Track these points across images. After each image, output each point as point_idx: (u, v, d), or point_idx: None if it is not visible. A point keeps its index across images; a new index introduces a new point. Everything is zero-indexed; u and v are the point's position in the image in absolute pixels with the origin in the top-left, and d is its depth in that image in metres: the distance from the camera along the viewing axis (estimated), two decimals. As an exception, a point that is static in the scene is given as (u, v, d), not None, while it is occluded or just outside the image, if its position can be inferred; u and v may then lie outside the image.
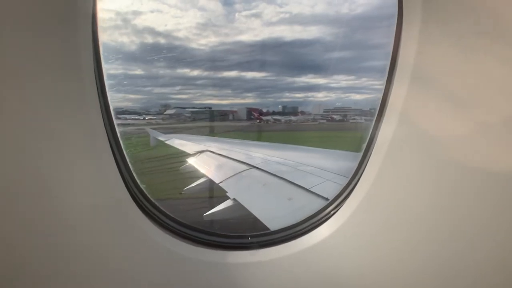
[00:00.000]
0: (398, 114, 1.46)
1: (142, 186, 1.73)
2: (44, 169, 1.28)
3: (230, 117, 9.31)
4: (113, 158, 1.53)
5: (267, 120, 9.33)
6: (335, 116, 9.71)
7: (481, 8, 1.16)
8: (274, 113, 9.73)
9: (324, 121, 9.71)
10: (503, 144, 1.32)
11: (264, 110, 9.70)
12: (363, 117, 9.42)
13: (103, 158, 1.47)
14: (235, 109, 9.40)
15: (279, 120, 9.44)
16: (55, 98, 1.25)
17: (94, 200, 1.44)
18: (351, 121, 9.55)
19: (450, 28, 1.24)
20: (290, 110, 9.98)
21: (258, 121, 9.16)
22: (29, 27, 1.11)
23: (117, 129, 1.59)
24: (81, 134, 1.36)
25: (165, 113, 8.55)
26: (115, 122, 1.57)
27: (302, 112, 9.93)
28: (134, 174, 1.69)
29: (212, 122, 8.96)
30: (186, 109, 8.93)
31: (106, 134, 1.49)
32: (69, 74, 1.26)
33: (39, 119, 1.23)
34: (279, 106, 10.31)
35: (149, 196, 1.75)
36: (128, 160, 1.65)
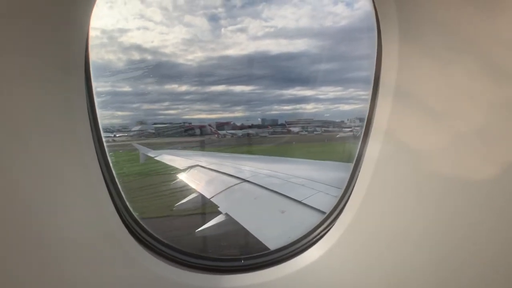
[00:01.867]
0: (384, 130, 1.49)
1: (135, 214, 1.73)
2: (36, 201, 1.27)
3: (197, 132, 9.33)
4: (106, 188, 1.53)
5: (224, 135, 9.39)
6: (292, 129, 9.81)
7: (452, 25, 1.23)
8: (249, 127, 9.76)
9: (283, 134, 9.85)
10: (480, 153, 1.37)
11: (238, 124, 9.73)
12: (323, 128, 9.70)
13: (96, 189, 1.47)
14: (205, 123, 9.40)
15: (235, 134, 9.46)
16: (45, 126, 1.24)
17: (88, 231, 1.43)
18: (314, 133, 9.80)
19: (425, 44, 1.30)
20: (270, 123, 10.08)
21: (216, 135, 9.22)
22: (21, 36, 1.09)
23: (109, 159, 1.60)
24: (73, 164, 1.35)
25: (133, 129, 8.56)
26: (107, 152, 1.58)
27: (273, 126, 10.02)
28: (127, 203, 1.69)
29: (172, 137, 9.02)
30: (151, 125, 8.98)
31: (99, 164, 1.49)
32: (61, 104, 1.26)
33: (31, 151, 1.21)
34: (258, 119, 10.39)
35: (142, 224, 1.75)
36: (120, 189, 1.65)
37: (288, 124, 9.94)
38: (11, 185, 1.20)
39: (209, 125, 9.22)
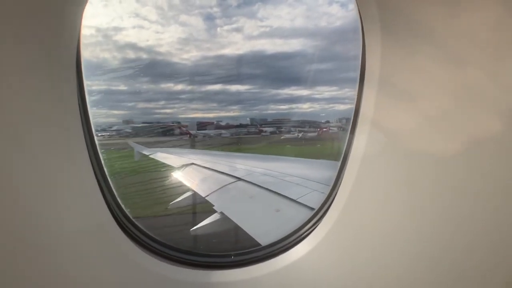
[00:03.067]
0: (370, 122, 1.53)
1: (125, 209, 1.74)
2: (25, 191, 1.26)
3: (177, 131, 9.28)
4: (96, 182, 1.54)
5: (196, 135, 9.38)
6: (265, 129, 9.75)
7: (425, 22, 1.31)
8: (236, 127, 9.72)
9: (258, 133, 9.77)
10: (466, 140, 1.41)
11: (223, 123, 9.67)
12: (297, 129, 9.65)
13: (86, 182, 1.48)
14: (186, 123, 9.32)
15: (207, 134, 9.43)
16: (36, 121, 1.24)
17: (77, 224, 1.43)
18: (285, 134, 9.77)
19: (404, 40, 1.37)
20: (259, 122, 10.07)
21: (189, 136, 9.23)
22: (14, 34, 1.09)
23: (100, 153, 1.61)
24: (63, 157, 1.36)
25: (111, 129, 8.53)
26: (98, 145, 1.59)
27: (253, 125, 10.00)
28: (117, 197, 1.70)
29: (148, 137, 9.00)
30: (129, 125, 8.94)
31: (88, 157, 1.50)
32: (51, 97, 1.27)
33: (20, 142, 1.21)
34: (247, 119, 10.38)
35: (132, 218, 1.76)
36: (110, 183, 1.66)
37: (261, 125, 9.82)
38: (3, 176, 1.19)
39: (180, 125, 9.16)
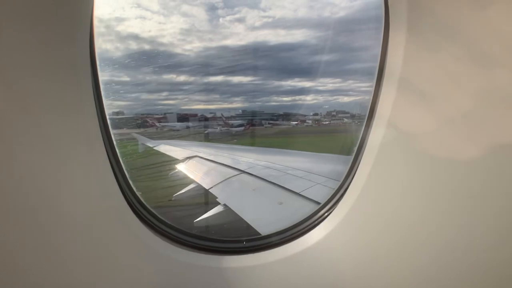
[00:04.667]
0: (387, 118, 1.52)
1: (138, 193, 1.74)
2: (41, 176, 1.27)
3: (148, 123, 9.22)
4: (110, 166, 1.54)
5: (163, 127, 9.30)
6: (231, 122, 9.66)
7: (453, 19, 1.28)
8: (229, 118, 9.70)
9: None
10: (482, 139, 1.40)
11: (211, 115, 9.55)
12: (267, 121, 9.75)
13: (100, 166, 1.48)
14: (165, 114, 9.24)
15: (174, 127, 9.32)
16: (53, 106, 1.25)
17: (91, 207, 1.44)
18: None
19: (428, 35, 1.34)
20: (250, 115, 10.10)
21: (156, 128, 9.19)
22: (27, 29, 1.11)
23: (113, 137, 1.60)
24: (78, 141, 1.36)
25: None
26: (111, 130, 1.59)
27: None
28: (130, 182, 1.70)
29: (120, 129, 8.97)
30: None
31: (103, 142, 1.50)
32: (67, 82, 1.27)
33: (36, 126, 1.22)
34: (240, 111, 10.33)
35: (145, 203, 1.76)
36: (124, 167, 1.66)
37: (227, 118, 9.71)
38: (14, 159, 1.20)
39: (147, 118, 9.10)
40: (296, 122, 10.14)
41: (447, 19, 1.28)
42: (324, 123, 9.85)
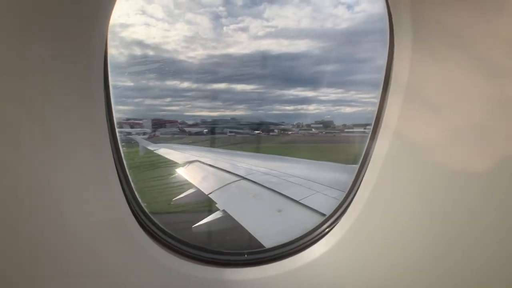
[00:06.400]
0: (393, 128, 1.51)
1: (142, 204, 1.74)
2: (49, 183, 1.26)
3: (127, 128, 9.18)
4: (116, 175, 1.54)
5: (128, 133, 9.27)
6: (187, 129, 9.80)
7: (459, 29, 1.27)
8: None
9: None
10: (489, 152, 1.37)
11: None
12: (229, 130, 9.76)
13: (107, 174, 1.48)
14: (140, 121, 9.24)
15: (129, 133, 9.28)
16: (63, 111, 1.25)
17: (97, 216, 1.44)
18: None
19: (435, 45, 1.34)
20: (236, 123, 10.35)
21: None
22: (43, 35, 1.11)
23: (121, 146, 1.61)
24: (86, 148, 1.36)
25: None
26: (119, 138, 1.60)
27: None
28: (135, 192, 1.70)
29: None
30: None
31: (111, 150, 1.50)
32: (79, 88, 1.27)
33: (45, 132, 1.22)
34: (229, 118, 10.59)
35: (149, 213, 1.76)
36: (130, 177, 1.67)
37: (190, 124, 9.87)
38: (22, 164, 1.19)
39: (158, 122, 9.12)
40: (262, 132, 10.17)
41: (452, 28, 1.27)
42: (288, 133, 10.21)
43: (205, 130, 9.85)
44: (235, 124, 10.21)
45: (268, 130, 10.38)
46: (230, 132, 9.96)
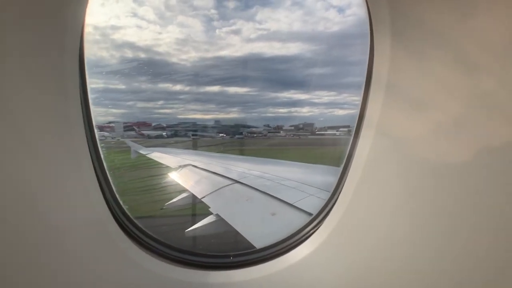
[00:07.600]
0: (375, 127, 1.51)
1: (123, 206, 1.70)
2: (25, 184, 1.24)
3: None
4: (95, 176, 1.51)
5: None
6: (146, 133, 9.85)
7: (436, 27, 1.29)
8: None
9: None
10: (471, 146, 1.38)
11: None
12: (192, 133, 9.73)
13: (85, 176, 1.45)
14: (112, 124, 9.21)
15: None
16: (39, 114, 1.22)
17: (75, 218, 1.41)
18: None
19: (414, 45, 1.35)
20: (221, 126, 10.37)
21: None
22: (15, 33, 1.09)
23: (100, 147, 1.57)
24: (64, 151, 1.33)
25: None
26: (98, 139, 1.56)
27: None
28: (116, 193, 1.67)
29: None
30: None
31: (89, 151, 1.47)
32: (54, 88, 1.25)
33: (21, 134, 1.20)
34: (214, 121, 10.62)
35: (130, 215, 1.73)
36: (110, 178, 1.63)
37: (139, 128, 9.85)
38: (1, 166, 1.17)
39: (134, 125, 9.09)
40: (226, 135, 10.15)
41: (430, 26, 1.29)
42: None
43: (164, 133, 9.83)
44: (200, 127, 10.20)
45: (235, 133, 10.35)
46: (193, 135, 9.93)
